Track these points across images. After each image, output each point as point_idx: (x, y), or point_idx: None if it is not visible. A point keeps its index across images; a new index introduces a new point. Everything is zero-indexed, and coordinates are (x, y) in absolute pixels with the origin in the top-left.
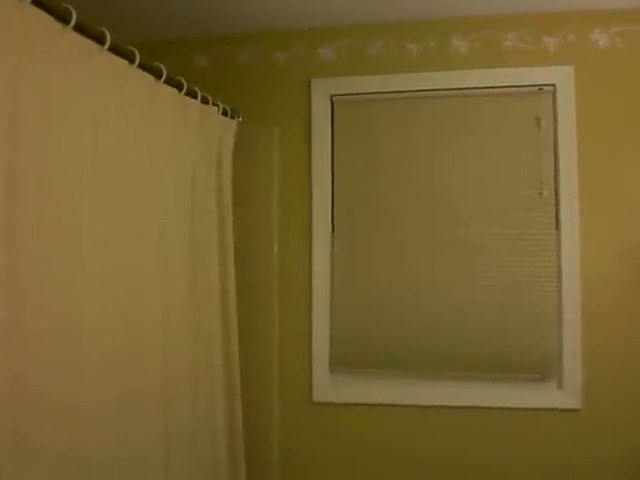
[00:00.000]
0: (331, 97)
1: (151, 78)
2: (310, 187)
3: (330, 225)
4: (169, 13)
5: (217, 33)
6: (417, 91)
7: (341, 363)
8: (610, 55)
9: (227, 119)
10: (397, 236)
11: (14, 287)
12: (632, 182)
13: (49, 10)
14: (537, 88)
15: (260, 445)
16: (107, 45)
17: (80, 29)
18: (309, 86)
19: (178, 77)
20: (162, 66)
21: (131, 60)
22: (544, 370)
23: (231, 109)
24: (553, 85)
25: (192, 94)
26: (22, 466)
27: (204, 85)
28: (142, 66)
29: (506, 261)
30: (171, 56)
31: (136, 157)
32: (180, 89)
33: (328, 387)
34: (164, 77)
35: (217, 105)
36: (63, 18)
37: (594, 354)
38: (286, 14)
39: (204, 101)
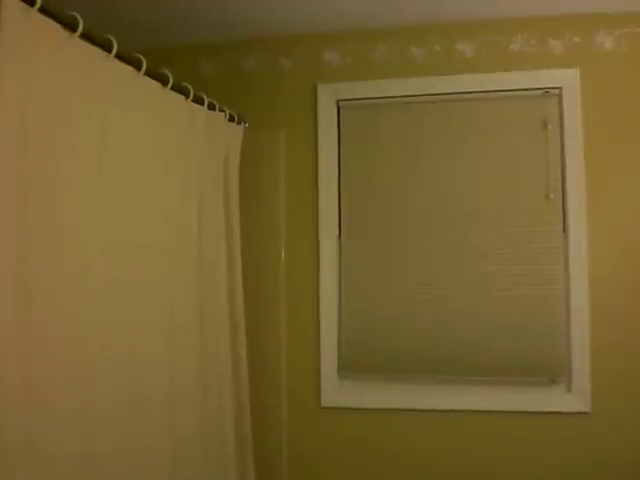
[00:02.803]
0: (337, 102)
1: (158, 85)
2: (317, 192)
3: (337, 230)
4: (175, 20)
5: (222, 39)
6: (423, 95)
7: (349, 368)
8: (616, 57)
9: (234, 125)
10: (404, 240)
11: (23, 292)
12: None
13: (56, 18)
14: (543, 91)
15: (269, 450)
16: (114, 52)
17: (87, 37)
18: (315, 91)
19: (184, 84)
20: (168, 73)
21: (138, 67)
22: (553, 373)
23: (238, 115)
24: (559, 88)
25: (199, 100)
26: (33, 470)
27: (210, 91)
28: (148, 73)
29: (513, 265)
30: (177, 63)
31: (143, 163)
32: (187, 96)
33: (336, 392)
34: (170, 84)
35: (224, 111)
36: (70, 26)
37: (603, 357)
38: (291, 20)
39: (211, 107)
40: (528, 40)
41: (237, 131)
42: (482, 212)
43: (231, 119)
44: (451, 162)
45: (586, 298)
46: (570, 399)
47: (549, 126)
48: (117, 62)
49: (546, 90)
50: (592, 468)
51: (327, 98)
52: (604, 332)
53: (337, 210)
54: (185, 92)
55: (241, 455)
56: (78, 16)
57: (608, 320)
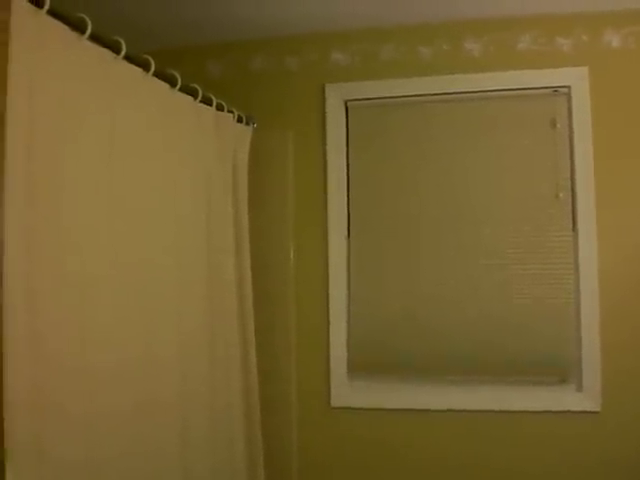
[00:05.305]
0: (345, 102)
1: (166, 86)
2: (325, 192)
3: (346, 230)
4: (182, 22)
5: (230, 40)
6: (431, 95)
7: (359, 368)
8: (624, 55)
9: (242, 126)
10: (413, 239)
11: (32, 295)
12: None
13: (65, 20)
14: (552, 90)
15: (279, 450)
16: (122, 54)
17: (95, 38)
18: (323, 91)
19: (193, 85)
20: (177, 74)
21: (146, 68)
22: (563, 373)
23: (246, 116)
24: (568, 87)
25: (207, 101)
26: (43, 471)
27: (218, 92)
28: (157, 74)
29: (523, 264)
30: (185, 64)
31: (152, 165)
32: (195, 97)
33: (346, 392)
34: (179, 85)
35: (232, 112)
36: (79, 27)
37: (613, 356)
38: (298, 20)
39: (219, 108)
40: (536, 39)
41: (245, 132)
42: (491, 211)
43: (239, 120)
44: (459, 162)
45: (596, 297)
46: (580, 398)
47: (558, 125)
48: (125, 63)
49: (555, 89)
50: (602, 467)
51: (335, 98)
52: (614, 331)
53: (346, 210)
54: (193, 93)
55: (251, 455)
56: (87, 18)
57: (618, 319)
